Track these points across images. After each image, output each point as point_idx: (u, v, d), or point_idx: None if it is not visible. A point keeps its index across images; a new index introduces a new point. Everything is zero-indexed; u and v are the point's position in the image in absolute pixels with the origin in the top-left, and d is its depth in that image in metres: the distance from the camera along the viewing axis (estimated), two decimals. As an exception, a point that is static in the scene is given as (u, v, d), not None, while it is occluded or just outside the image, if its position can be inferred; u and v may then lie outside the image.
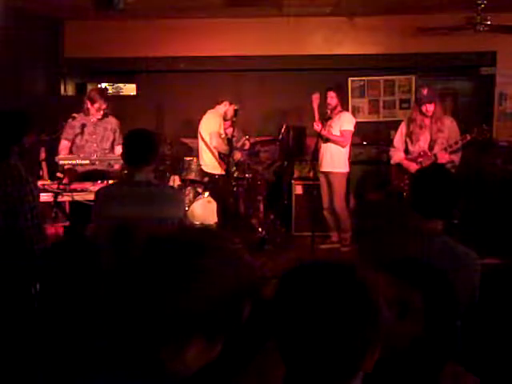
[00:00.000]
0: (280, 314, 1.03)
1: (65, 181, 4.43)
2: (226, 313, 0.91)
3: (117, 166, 4.76)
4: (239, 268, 0.93)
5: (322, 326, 0.98)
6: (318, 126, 5.48)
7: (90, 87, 7.24)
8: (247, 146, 6.11)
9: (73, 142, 4.89)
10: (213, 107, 5.65)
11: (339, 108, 5.53)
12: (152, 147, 2.91)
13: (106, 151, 4.95)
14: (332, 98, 5.48)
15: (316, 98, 5.55)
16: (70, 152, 4.86)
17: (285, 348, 1.02)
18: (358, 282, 1.03)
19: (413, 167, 4.75)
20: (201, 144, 5.58)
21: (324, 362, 0.99)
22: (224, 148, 5.44)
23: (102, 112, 4.87)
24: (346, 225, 5.65)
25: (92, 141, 4.94)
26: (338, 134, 5.48)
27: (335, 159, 5.51)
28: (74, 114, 4.90)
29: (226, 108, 5.51)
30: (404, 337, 1.34)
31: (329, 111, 5.50)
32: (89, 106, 4.85)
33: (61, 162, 4.56)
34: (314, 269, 1.06)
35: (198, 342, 0.90)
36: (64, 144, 4.89)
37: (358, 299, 1.00)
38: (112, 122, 5.00)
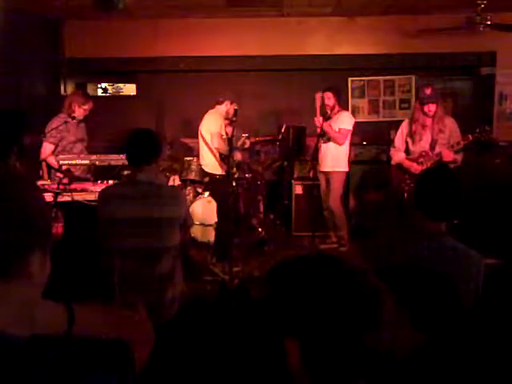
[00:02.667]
0: (272, 309, 1.02)
1: (65, 181, 4.43)
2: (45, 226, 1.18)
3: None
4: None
5: (326, 318, 0.97)
6: (318, 122, 5.48)
7: (89, 87, 7.25)
8: (247, 145, 6.10)
9: (56, 145, 4.91)
10: (213, 107, 5.63)
11: (337, 108, 5.53)
12: (154, 147, 2.90)
13: (87, 151, 5.07)
14: (329, 99, 5.48)
15: (319, 97, 5.57)
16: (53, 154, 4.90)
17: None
18: (354, 272, 1.01)
19: (414, 168, 4.75)
20: (202, 144, 5.57)
21: (332, 357, 0.98)
22: (225, 149, 5.42)
23: (87, 113, 4.96)
24: (341, 223, 5.62)
25: (77, 141, 4.99)
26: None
27: (335, 159, 5.51)
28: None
29: (227, 108, 5.47)
30: (402, 345, 1.34)
31: (328, 111, 5.50)
32: (76, 108, 4.92)
33: (61, 162, 4.57)
34: (302, 263, 1.04)
35: (38, 254, 1.14)
36: (49, 147, 4.89)
37: (356, 289, 0.99)
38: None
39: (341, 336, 0.97)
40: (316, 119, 5.54)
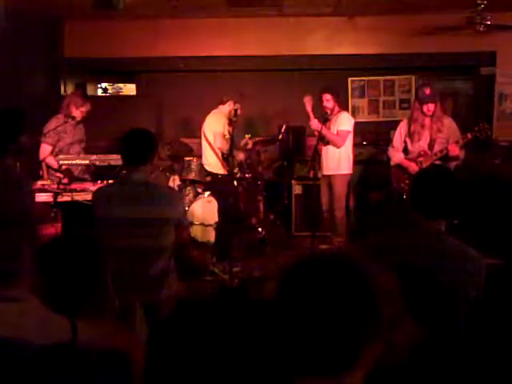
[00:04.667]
0: (281, 310, 1.04)
1: (65, 181, 4.43)
2: None
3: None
4: None
5: (321, 316, 0.99)
6: (316, 126, 5.31)
7: (89, 87, 7.26)
8: (250, 146, 6.09)
9: (54, 146, 4.91)
10: (215, 107, 5.61)
11: (337, 108, 5.37)
12: (149, 146, 2.90)
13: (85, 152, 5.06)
14: (328, 101, 5.29)
15: (308, 101, 5.36)
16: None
17: (283, 341, 1.03)
18: (358, 274, 1.03)
19: (412, 167, 4.75)
20: (204, 144, 5.56)
21: (321, 353, 0.99)
22: (228, 148, 5.40)
23: (85, 115, 4.94)
24: (341, 229, 5.48)
25: (75, 142, 4.99)
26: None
27: (336, 161, 5.34)
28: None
29: (230, 107, 5.41)
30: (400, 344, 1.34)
31: (328, 111, 5.38)
32: (73, 109, 4.90)
33: (61, 162, 4.57)
34: (314, 263, 1.06)
35: None
36: (47, 148, 4.87)
37: (358, 291, 1.00)
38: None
39: (343, 333, 0.99)
40: (311, 123, 5.37)
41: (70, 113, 4.90)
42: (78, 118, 4.96)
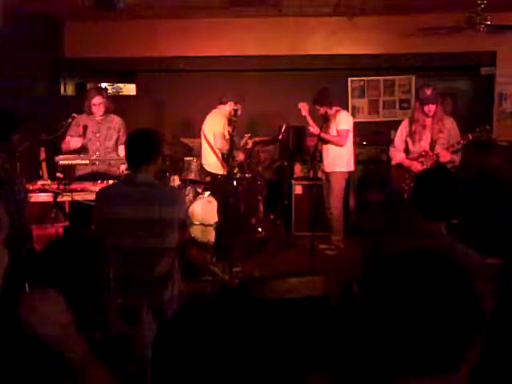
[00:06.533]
0: (387, 306, 1.03)
1: (65, 181, 4.44)
2: None
3: (123, 167, 4.87)
4: None
5: (429, 314, 0.98)
6: (313, 129, 5.45)
7: (89, 87, 7.25)
8: (250, 145, 6.09)
9: (81, 137, 4.93)
10: (215, 107, 5.60)
11: (335, 109, 5.48)
12: (152, 147, 2.89)
13: (109, 150, 4.99)
14: (319, 109, 5.47)
15: (303, 106, 5.48)
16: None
17: (385, 338, 1.02)
18: (465, 272, 1.05)
19: (414, 166, 4.75)
20: (204, 144, 5.56)
21: (428, 352, 0.98)
22: (228, 149, 5.41)
23: (100, 108, 4.93)
24: (339, 227, 5.55)
25: (95, 139, 4.97)
26: (335, 133, 5.46)
27: (335, 159, 5.47)
28: (74, 114, 4.92)
29: (230, 108, 5.41)
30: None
31: (328, 112, 5.47)
32: (86, 101, 4.94)
33: (61, 162, 4.57)
34: (419, 261, 1.09)
35: None
36: (66, 139, 4.95)
37: (465, 291, 1.02)
38: (115, 120, 5.05)
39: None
40: (310, 128, 5.48)
41: (86, 106, 4.95)
42: (97, 111, 4.95)
